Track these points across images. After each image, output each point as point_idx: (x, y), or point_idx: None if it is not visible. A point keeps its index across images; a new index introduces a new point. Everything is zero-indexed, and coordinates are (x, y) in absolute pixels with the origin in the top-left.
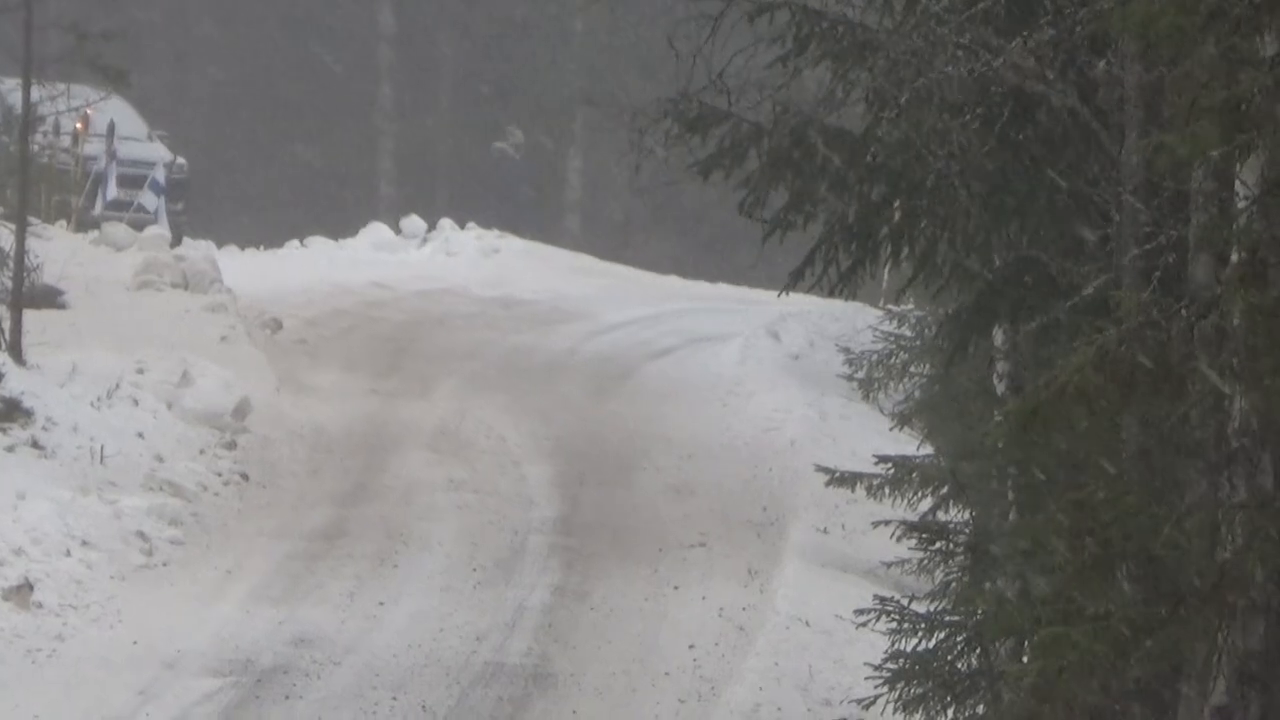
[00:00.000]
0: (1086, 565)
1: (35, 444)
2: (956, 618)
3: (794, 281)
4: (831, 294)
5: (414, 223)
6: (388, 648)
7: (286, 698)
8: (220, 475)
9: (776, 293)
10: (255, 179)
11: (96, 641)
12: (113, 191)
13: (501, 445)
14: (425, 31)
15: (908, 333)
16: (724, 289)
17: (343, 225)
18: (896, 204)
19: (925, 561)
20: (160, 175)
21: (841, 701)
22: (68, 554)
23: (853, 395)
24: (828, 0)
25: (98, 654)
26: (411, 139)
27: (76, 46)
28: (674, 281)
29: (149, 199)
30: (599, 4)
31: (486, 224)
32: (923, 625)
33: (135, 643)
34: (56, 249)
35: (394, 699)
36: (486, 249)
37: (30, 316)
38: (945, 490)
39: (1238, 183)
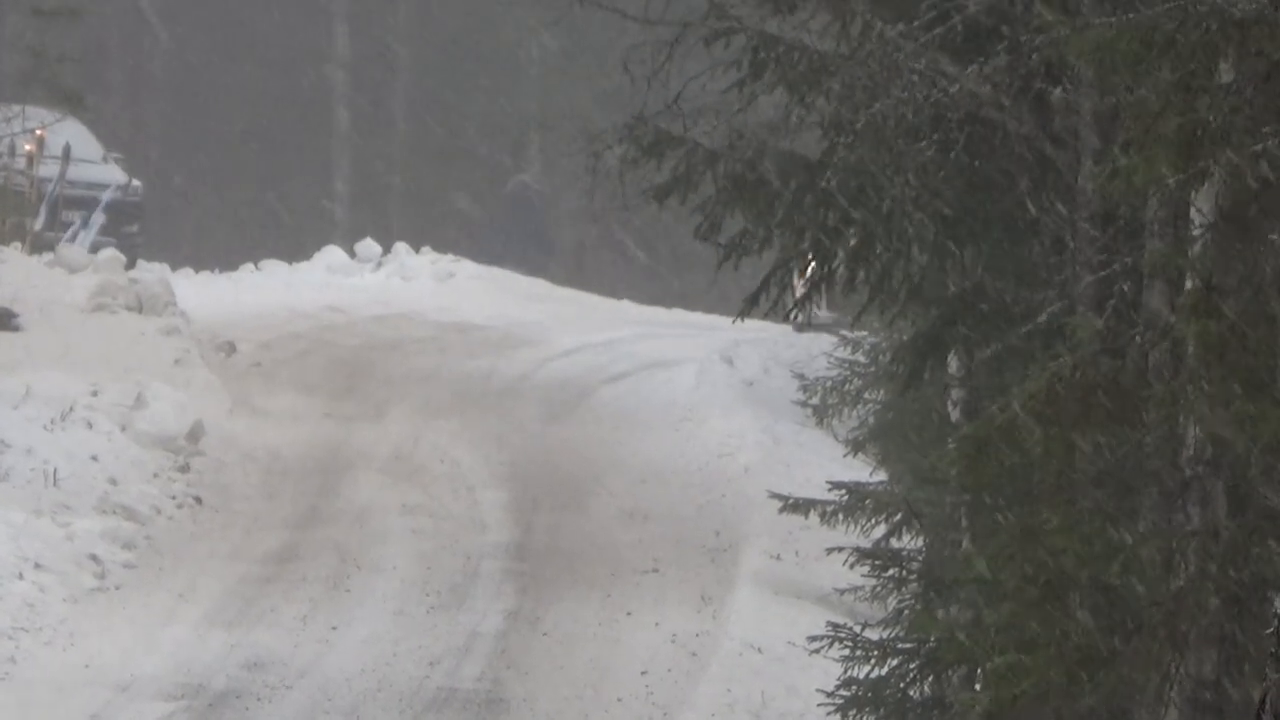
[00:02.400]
0: (1039, 593)
1: None
2: (909, 645)
3: (749, 307)
4: (786, 319)
5: (369, 246)
6: (340, 672)
7: None
8: (174, 498)
9: (731, 319)
10: (209, 202)
11: (49, 664)
12: (44, 217)
13: (456, 470)
14: (379, 55)
15: (862, 359)
16: (678, 314)
17: (297, 249)
18: (852, 229)
19: (878, 588)
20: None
21: None
22: (20, 576)
23: (807, 421)
24: (784, 26)
25: (50, 677)
26: (366, 163)
27: (33, 67)
28: (628, 306)
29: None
30: (554, 28)
31: (441, 248)
32: (875, 652)
33: (88, 666)
34: (10, 271)
35: None
36: (441, 273)
37: None
38: (899, 517)
39: (1193, 210)
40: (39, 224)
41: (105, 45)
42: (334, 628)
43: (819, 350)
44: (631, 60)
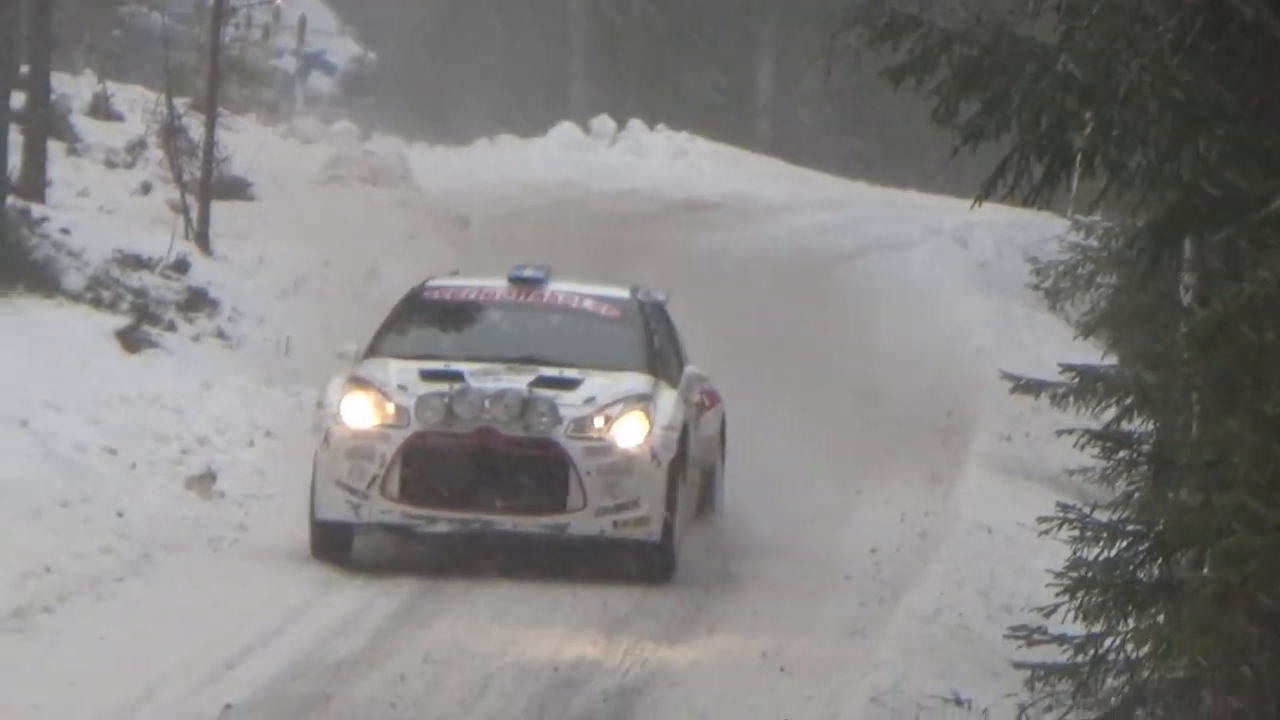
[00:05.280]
0: (1269, 478)
1: (221, 334)
2: (1138, 527)
3: (986, 193)
4: (1024, 205)
5: (604, 123)
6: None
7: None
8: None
9: (969, 204)
10: (446, 76)
11: (278, 532)
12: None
13: (690, 347)
14: None
15: (1095, 244)
16: (912, 195)
17: (533, 125)
18: (1089, 114)
19: (1108, 471)
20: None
21: (1022, 609)
22: (251, 444)
23: (1038, 305)
24: None
25: (280, 545)
26: (603, 40)
27: None
28: (862, 187)
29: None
30: None
31: (676, 126)
32: (1104, 534)
33: None
34: (246, 141)
35: None
36: (675, 151)
37: (219, 207)
38: (1129, 400)
39: None
40: (274, 95)
41: None
42: None
43: (1052, 234)
44: None
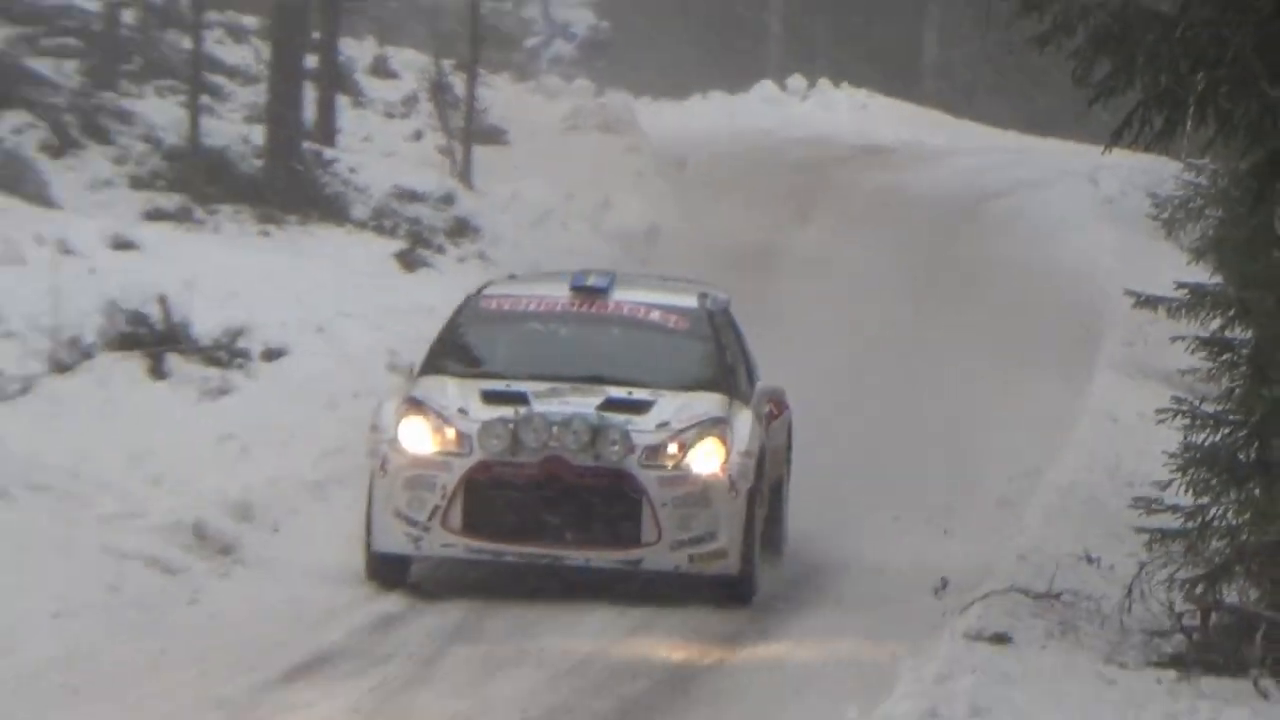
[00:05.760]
0: None
1: (482, 256)
2: (1238, 417)
3: (1114, 140)
4: (1146, 150)
5: (797, 81)
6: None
7: None
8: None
9: (1100, 150)
10: (667, 40)
11: None
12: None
13: (864, 266)
14: None
15: (1204, 182)
16: (1051, 143)
17: (738, 82)
18: (1200, 75)
19: (1213, 370)
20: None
21: (1142, 484)
22: None
23: (1156, 234)
24: None
25: None
26: (796, 6)
27: None
28: (1010, 135)
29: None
30: None
31: (856, 84)
32: (1210, 423)
33: None
34: (500, 96)
35: None
36: (856, 105)
37: (478, 151)
38: (1232, 313)
39: None
40: (529, 55)
41: None
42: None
43: (1168, 174)
44: None
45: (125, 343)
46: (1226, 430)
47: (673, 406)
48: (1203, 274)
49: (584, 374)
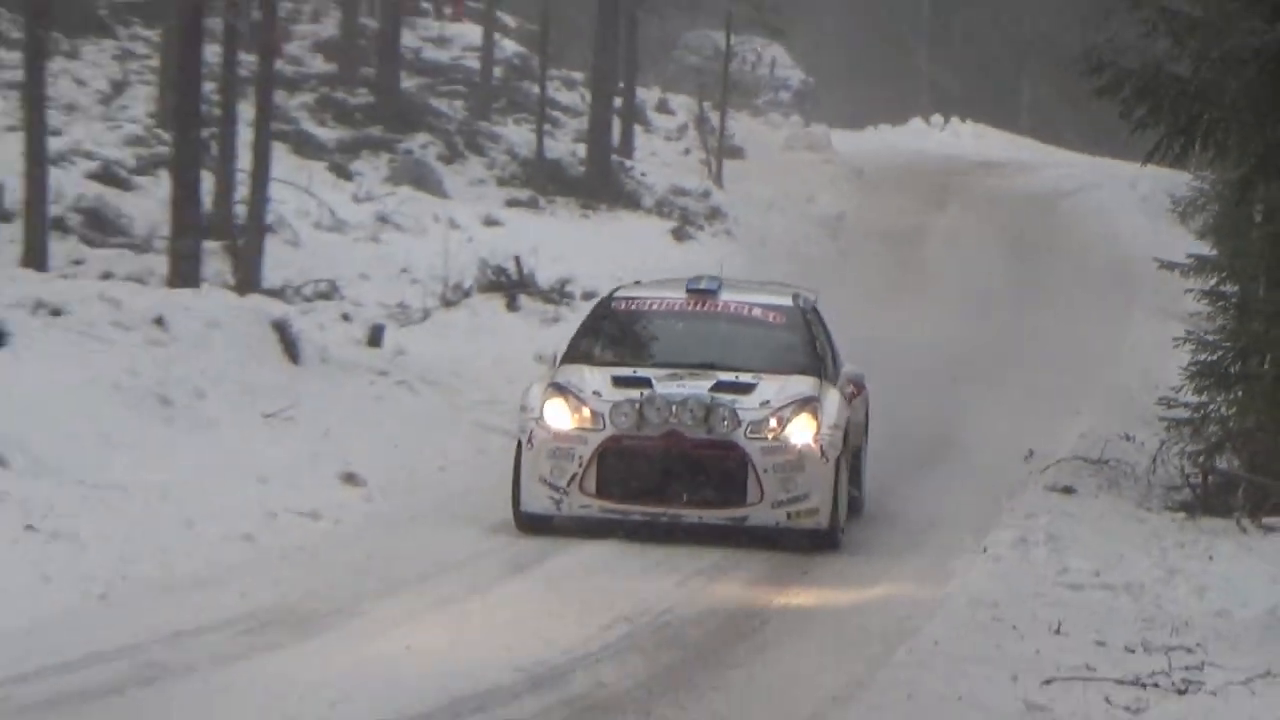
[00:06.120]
0: None
1: (728, 232)
2: (1228, 344)
3: (1147, 159)
4: (1169, 166)
5: (936, 118)
6: (924, 335)
7: None
8: (830, 253)
9: (1138, 164)
10: (850, 88)
11: None
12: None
13: (980, 238)
14: None
15: (1206, 187)
16: (1106, 160)
17: (898, 117)
18: (1204, 117)
19: (1211, 313)
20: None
21: (1164, 387)
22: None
23: (1174, 221)
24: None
25: None
26: (939, 64)
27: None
28: (1078, 155)
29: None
30: None
31: (976, 119)
32: (1209, 347)
33: None
34: (741, 126)
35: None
36: (975, 134)
37: (726, 163)
38: (1224, 274)
39: None
40: (760, 99)
41: None
42: (914, 315)
43: (1182, 181)
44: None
45: (491, 287)
46: (1220, 352)
47: (773, 388)
48: (1204, 248)
49: (698, 361)
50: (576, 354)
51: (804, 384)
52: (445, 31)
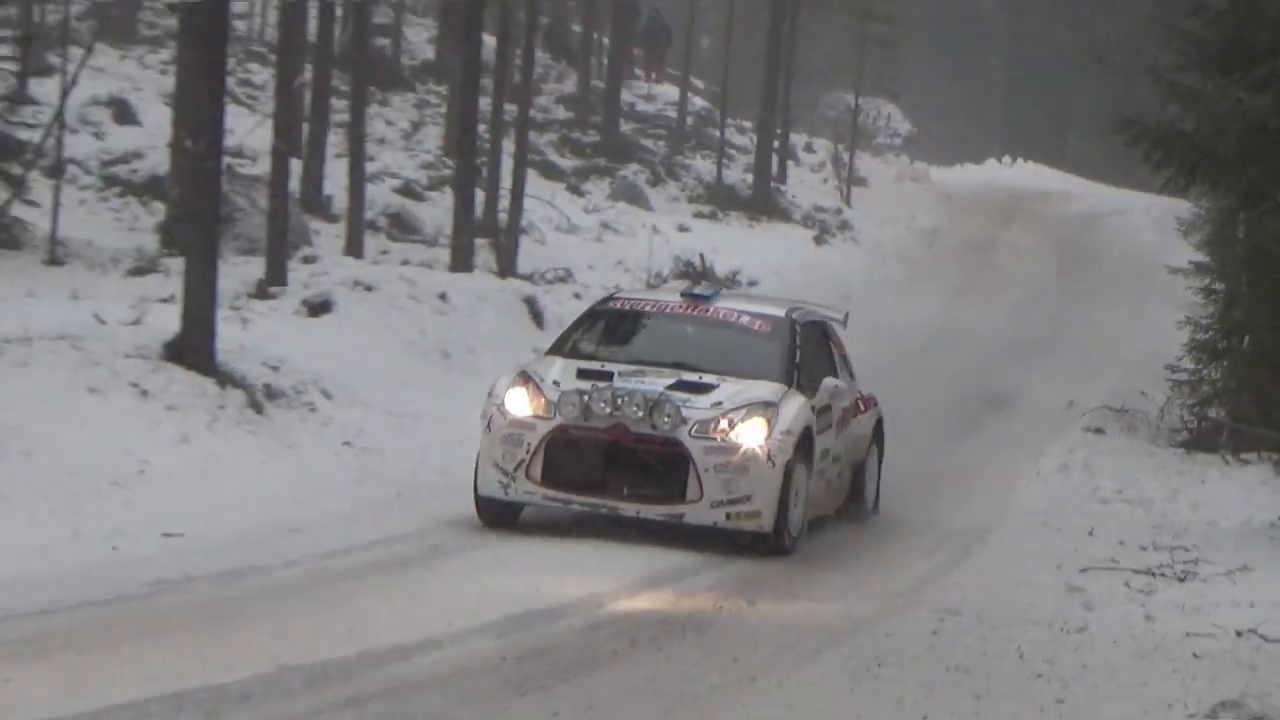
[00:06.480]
0: (1271, 309)
1: (855, 240)
2: (1217, 326)
3: (1161, 190)
4: (1177, 196)
5: (1006, 159)
6: (991, 320)
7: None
8: (921, 257)
9: (1155, 195)
10: (941, 135)
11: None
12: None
13: (1036, 247)
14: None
15: (1202, 212)
16: (1131, 191)
17: (978, 157)
18: (1203, 162)
19: (1206, 303)
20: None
21: (1170, 357)
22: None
23: (1179, 235)
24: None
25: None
26: (1013, 114)
27: (864, 66)
28: (1112, 188)
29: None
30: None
31: (1037, 160)
32: (1204, 329)
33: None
34: (864, 163)
35: None
36: (1033, 171)
37: (855, 190)
38: (1216, 275)
39: None
40: (878, 143)
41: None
42: (985, 303)
43: (1185, 207)
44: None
45: (681, 275)
46: (1211, 333)
47: (732, 390)
48: (1201, 257)
49: (670, 361)
50: (561, 348)
51: (766, 389)
52: (652, 91)
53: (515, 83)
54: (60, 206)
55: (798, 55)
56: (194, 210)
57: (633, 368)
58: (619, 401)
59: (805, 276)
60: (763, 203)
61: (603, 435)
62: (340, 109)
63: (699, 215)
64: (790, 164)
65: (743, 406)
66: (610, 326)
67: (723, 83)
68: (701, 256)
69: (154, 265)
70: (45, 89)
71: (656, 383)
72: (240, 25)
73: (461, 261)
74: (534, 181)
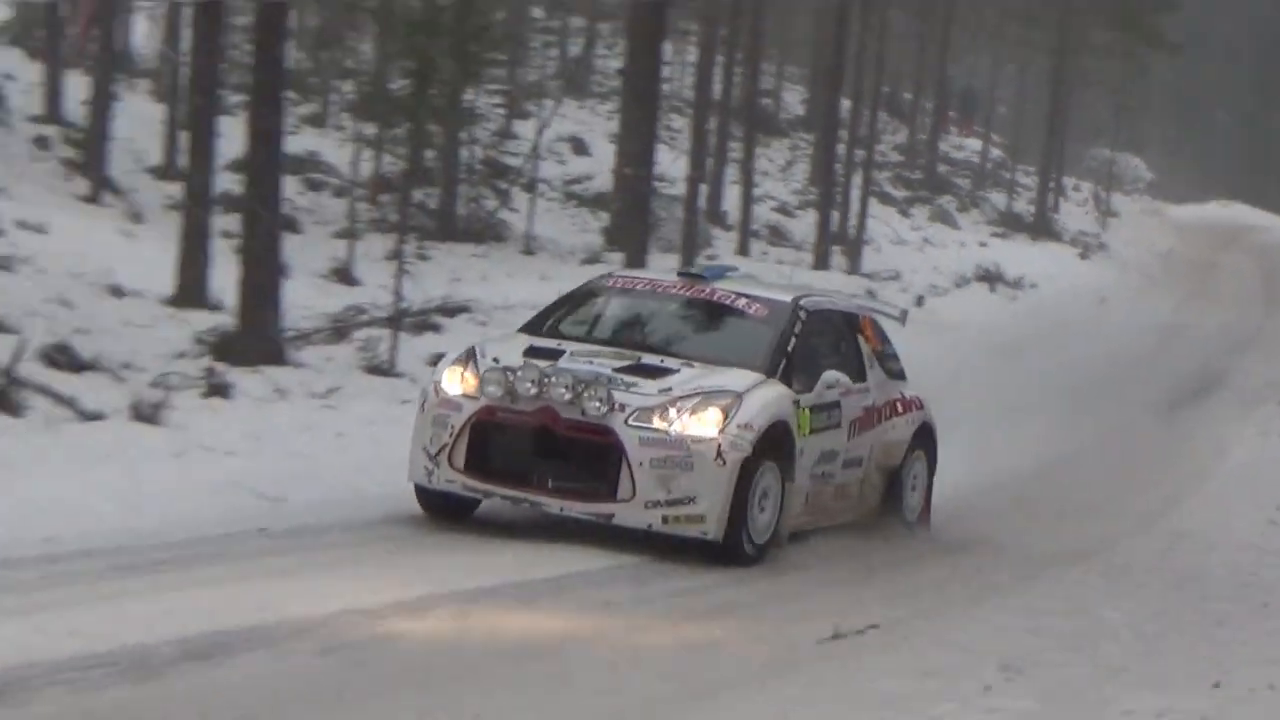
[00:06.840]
0: None
1: (1108, 258)
2: None
3: None
4: None
5: (1225, 200)
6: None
7: None
8: (1159, 270)
9: None
10: (1176, 180)
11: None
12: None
13: (1238, 267)
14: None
15: None
16: (1265, 214)
17: (1201, 198)
18: None
19: None
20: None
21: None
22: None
23: None
24: None
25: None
26: (1231, 166)
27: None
28: (1267, 215)
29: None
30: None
31: (1240, 199)
32: None
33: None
34: (1116, 200)
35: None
36: (1246, 209)
37: (1110, 221)
38: None
39: None
40: (1127, 185)
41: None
42: (1207, 308)
43: None
44: None
45: (980, 279)
46: None
47: (690, 376)
48: None
49: (639, 343)
50: (533, 324)
51: (736, 378)
52: (962, 143)
53: (862, 134)
54: (533, 213)
55: (1070, 119)
56: (630, 219)
57: (590, 348)
58: (545, 381)
59: (1072, 283)
60: (1041, 227)
61: (529, 419)
62: (735, 149)
63: (994, 234)
64: (1061, 199)
65: (697, 394)
66: (594, 306)
67: (1014, 138)
68: (997, 266)
69: (599, 257)
70: (525, 128)
71: (606, 364)
72: (666, 86)
73: (821, 262)
74: (874, 206)
